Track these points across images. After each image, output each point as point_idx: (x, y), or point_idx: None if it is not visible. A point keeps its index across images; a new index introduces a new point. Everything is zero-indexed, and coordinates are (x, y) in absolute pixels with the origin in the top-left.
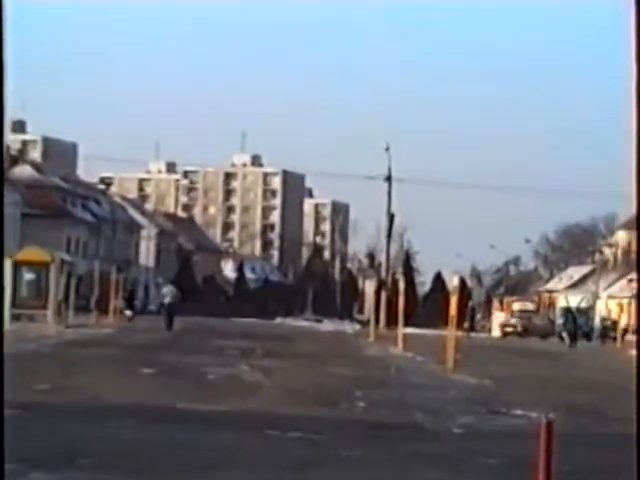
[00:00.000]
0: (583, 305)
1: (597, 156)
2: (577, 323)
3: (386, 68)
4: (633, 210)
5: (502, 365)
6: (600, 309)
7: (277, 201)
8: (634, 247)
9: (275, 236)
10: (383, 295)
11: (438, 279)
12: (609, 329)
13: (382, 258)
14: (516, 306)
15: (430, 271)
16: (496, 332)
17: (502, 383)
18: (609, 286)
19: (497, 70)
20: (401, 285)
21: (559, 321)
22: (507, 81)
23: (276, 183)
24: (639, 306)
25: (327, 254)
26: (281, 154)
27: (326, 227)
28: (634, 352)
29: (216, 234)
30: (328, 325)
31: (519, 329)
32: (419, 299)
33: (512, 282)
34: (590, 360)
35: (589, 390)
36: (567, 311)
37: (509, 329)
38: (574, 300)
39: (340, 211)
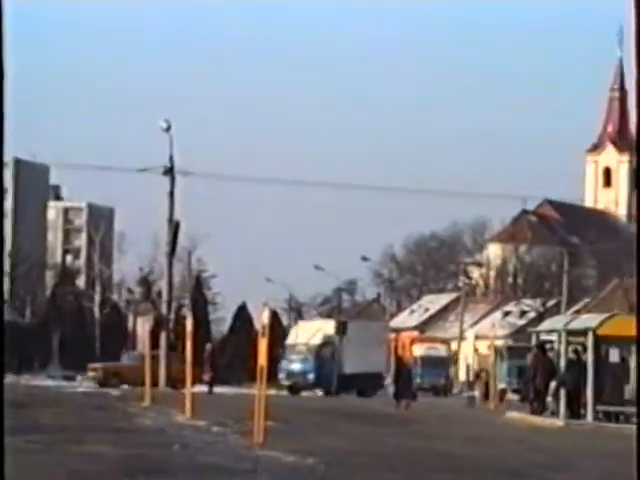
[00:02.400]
0: (439, 354)
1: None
2: (410, 377)
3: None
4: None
5: (331, 435)
6: (466, 354)
7: (7, 203)
8: (511, 268)
9: (4, 255)
10: (163, 338)
11: (242, 313)
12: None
13: (162, 285)
14: None
15: (232, 303)
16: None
17: (332, 462)
18: (478, 321)
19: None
20: (189, 324)
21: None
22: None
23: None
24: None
25: (82, 281)
26: (16, 136)
27: (81, 242)
28: (515, 414)
29: None
30: (83, 384)
31: None
32: (216, 342)
33: (346, 317)
34: (447, 426)
35: (459, 470)
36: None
37: None
38: (421, 347)
39: (100, 219)
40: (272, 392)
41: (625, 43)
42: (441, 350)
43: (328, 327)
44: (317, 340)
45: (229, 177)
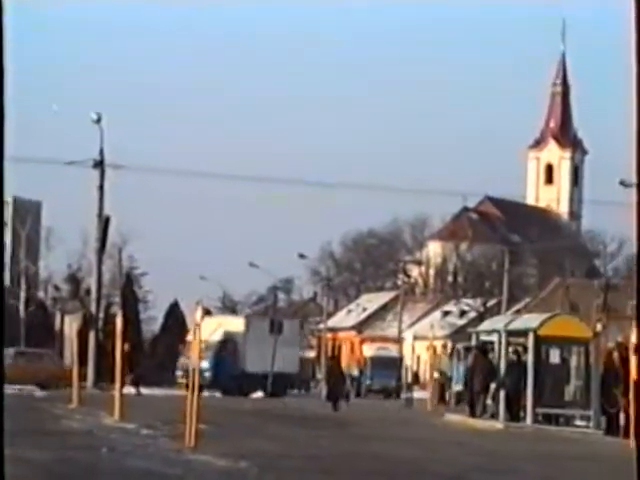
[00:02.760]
0: (390, 354)
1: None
2: (344, 377)
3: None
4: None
5: (264, 438)
6: (405, 354)
7: None
8: (451, 266)
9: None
10: (92, 338)
11: (174, 312)
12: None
13: (91, 283)
14: None
15: (164, 301)
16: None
17: (265, 466)
18: (416, 321)
19: None
20: (119, 323)
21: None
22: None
23: None
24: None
25: (7, 277)
26: None
27: (6, 237)
28: (454, 416)
29: None
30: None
31: None
32: (146, 343)
33: (282, 316)
34: (383, 428)
35: (395, 474)
36: (331, 359)
37: None
38: (371, 347)
39: (27, 213)
40: (206, 394)
41: (568, 37)
42: (392, 350)
43: (229, 323)
44: (217, 337)
45: (162, 171)
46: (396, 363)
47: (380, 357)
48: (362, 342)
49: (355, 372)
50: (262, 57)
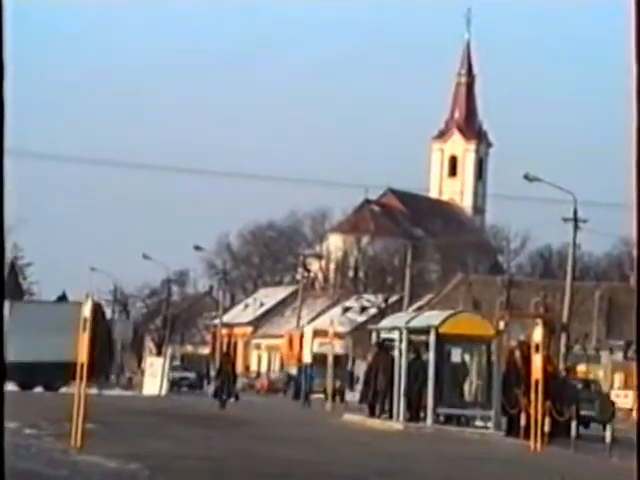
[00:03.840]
0: (335, 351)
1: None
2: (235, 374)
3: None
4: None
5: (155, 438)
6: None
7: None
8: (352, 260)
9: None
10: None
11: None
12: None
13: None
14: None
15: (50, 293)
16: (154, 388)
17: (156, 467)
18: (315, 317)
19: None
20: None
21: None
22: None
23: None
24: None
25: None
26: None
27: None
28: (353, 416)
29: None
30: None
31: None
32: None
33: (176, 311)
34: (279, 428)
35: (289, 476)
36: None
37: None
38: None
39: None
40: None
41: (473, 25)
42: (337, 346)
43: None
44: None
45: (50, 157)
46: (341, 361)
47: (323, 354)
48: (302, 337)
49: (293, 371)
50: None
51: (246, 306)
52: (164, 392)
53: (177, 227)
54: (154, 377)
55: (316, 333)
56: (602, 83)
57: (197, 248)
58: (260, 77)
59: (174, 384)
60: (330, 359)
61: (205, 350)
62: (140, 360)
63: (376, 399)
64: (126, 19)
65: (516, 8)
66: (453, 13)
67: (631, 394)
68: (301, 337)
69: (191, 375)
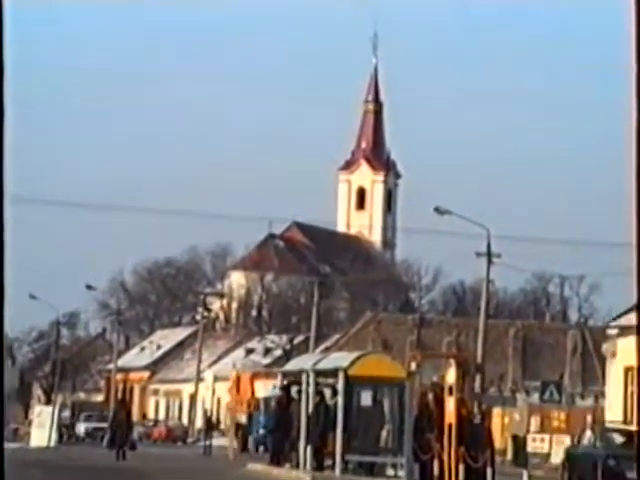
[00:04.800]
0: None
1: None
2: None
3: None
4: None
5: None
6: (203, 397)
7: None
8: (256, 299)
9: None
10: None
11: None
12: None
13: None
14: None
15: None
16: (42, 439)
17: None
18: (217, 360)
19: None
20: None
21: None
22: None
23: None
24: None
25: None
26: None
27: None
28: (257, 466)
29: None
30: None
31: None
32: None
33: (67, 355)
34: None
35: None
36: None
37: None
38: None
39: None
40: None
41: (380, 50)
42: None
43: None
44: None
45: None
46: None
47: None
48: (253, 379)
49: (243, 419)
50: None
51: (142, 349)
52: (53, 443)
53: (66, 264)
54: (42, 427)
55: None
56: (514, 112)
57: (89, 287)
58: (156, 107)
59: (88, 436)
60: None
61: (99, 397)
62: (27, 409)
63: (279, 447)
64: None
65: (425, 33)
66: (359, 38)
67: (547, 438)
68: (252, 377)
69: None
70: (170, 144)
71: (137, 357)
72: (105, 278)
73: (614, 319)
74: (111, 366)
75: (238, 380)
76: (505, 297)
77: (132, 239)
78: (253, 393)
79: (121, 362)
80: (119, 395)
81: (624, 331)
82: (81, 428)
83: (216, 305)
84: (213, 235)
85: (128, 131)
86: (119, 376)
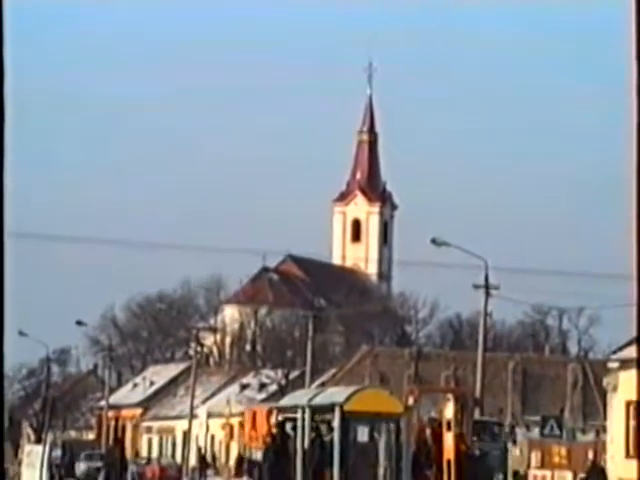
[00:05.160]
0: None
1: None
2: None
3: None
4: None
5: None
6: (197, 435)
7: None
8: (249, 333)
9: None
10: None
11: None
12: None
13: None
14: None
15: None
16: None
17: None
18: (210, 396)
19: None
20: None
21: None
22: None
23: None
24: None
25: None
26: None
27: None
28: None
29: None
30: None
31: None
32: None
33: (57, 392)
34: None
35: None
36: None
37: None
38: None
39: None
40: None
41: (375, 80)
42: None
43: None
44: None
45: None
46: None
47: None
48: (269, 415)
49: (258, 455)
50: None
51: (134, 385)
52: None
53: (57, 300)
54: (33, 467)
55: (211, 414)
56: (509, 144)
57: (79, 323)
58: (147, 142)
59: (88, 476)
60: (226, 437)
61: (90, 435)
62: (17, 448)
63: None
64: None
65: (419, 62)
66: (354, 68)
67: (549, 474)
68: (268, 413)
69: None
70: (162, 176)
71: (129, 394)
72: (96, 314)
73: (614, 352)
74: (103, 403)
75: (254, 415)
76: (503, 330)
77: (124, 274)
78: (270, 428)
79: (113, 399)
80: (111, 433)
81: (625, 364)
82: (81, 467)
83: (209, 340)
84: (206, 269)
85: (116, 162)
86: (111, 413)
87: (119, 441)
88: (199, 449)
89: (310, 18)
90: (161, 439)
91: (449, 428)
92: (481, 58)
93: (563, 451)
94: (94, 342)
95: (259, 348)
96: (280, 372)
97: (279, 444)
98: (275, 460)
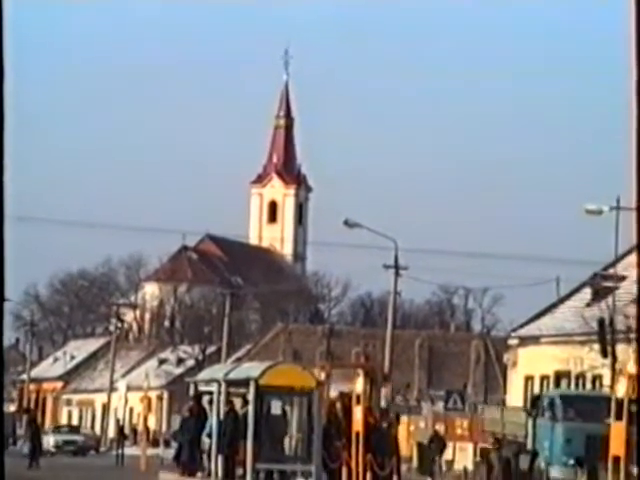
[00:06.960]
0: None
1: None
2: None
3: None
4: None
5: None
6: (116, 407)
7: None
8: (169, 310)
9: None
10: None
11: None
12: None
13: None
14: None
15: None
16: None
17: None
18: (130, 370)
19: None
20: None
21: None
22: None
23: None
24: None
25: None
26: None
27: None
28: (169, 475)
29: None
30: None
31: None
32: None
33: None
34: None
35: None
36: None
37: None
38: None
39: None
40: None
41: (292, 66)
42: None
43: None
44: None
45: None
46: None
47: None
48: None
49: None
50: None
51: (55, 360)
52: None
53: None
54: None
55: (130, 387)
56: (426, 131)
57: (1, 299)
58: (76, 124)
59: (57, 449)
60: (144, 410)
61: (12, 408)
62: None
63: (191, 457)
64: None
65: (335, 49)
66: (270, 54)
67: (451, 445)
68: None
69: (79, 438)
70: (84, 155)
71: (50, 368)
72: (19, 290)
73: (514, 330)
74: (24, 377)
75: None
76: (412, 308)
77: (46, 252)
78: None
79: (34, 373)
80: (32, 405)
81: (524, 341)
82: (50, 441)
83: (129, 316)
84: (127, 247)
85: (42, 142)
86: (32, 386)
87: (31, 412)
88: (118, 421)
89: (228, 4)
90: (81, 411)
91: (358, 402)
92: (400, 37)
93: (465, 424)
94: (16, 317)
95: (178, 324)
96: (197, 347)
97: (196, 416)
98: (193, 432)
